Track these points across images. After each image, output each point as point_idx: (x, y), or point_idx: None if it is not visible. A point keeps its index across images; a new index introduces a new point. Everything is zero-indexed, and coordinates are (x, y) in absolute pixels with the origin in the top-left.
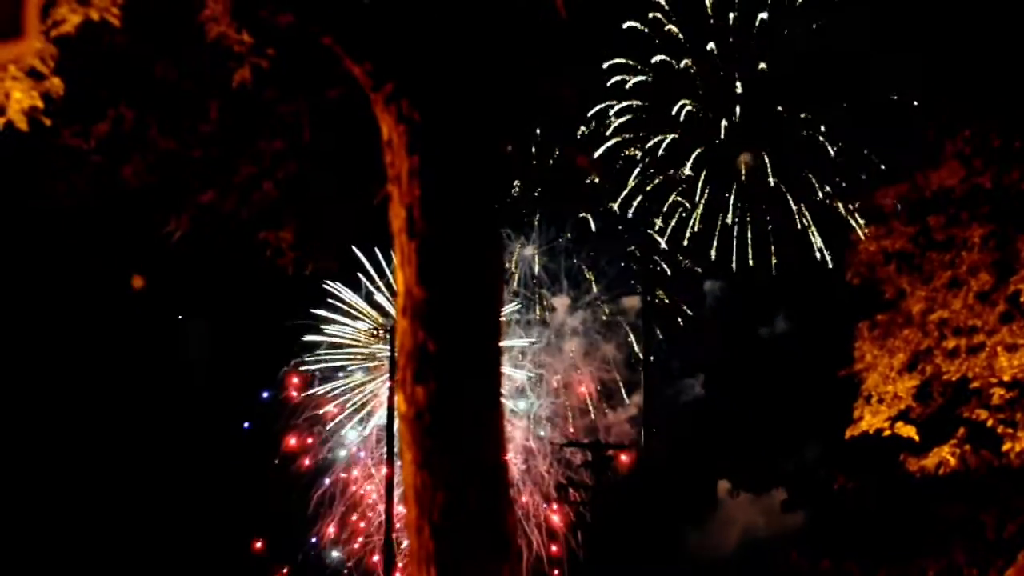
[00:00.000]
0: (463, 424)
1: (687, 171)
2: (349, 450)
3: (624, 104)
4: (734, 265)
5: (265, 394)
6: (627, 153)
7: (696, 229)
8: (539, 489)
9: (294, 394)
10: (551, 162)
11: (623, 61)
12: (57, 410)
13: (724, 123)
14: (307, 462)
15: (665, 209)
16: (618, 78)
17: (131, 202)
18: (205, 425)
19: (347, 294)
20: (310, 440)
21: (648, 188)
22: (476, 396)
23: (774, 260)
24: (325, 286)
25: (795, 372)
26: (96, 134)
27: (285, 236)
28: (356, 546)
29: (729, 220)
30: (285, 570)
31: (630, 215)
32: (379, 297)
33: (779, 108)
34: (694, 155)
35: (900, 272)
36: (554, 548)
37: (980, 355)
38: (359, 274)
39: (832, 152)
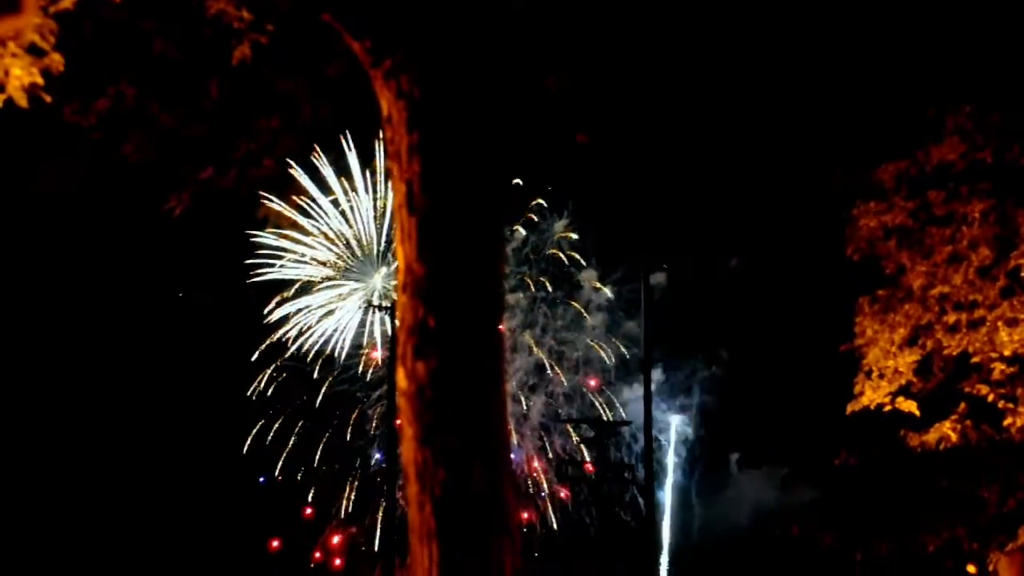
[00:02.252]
0: (464, 400)
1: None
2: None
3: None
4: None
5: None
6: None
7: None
8: (552, 465)
9: None
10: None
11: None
12: (56, 393)
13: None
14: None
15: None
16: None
17: (131, 178)
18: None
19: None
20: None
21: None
22: (477, 372)
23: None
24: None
25: (799, 347)
26: (96, 111)
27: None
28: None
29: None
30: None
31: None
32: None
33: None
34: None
35: (900, 247)
36: (565, 522)
37: (981, 330)
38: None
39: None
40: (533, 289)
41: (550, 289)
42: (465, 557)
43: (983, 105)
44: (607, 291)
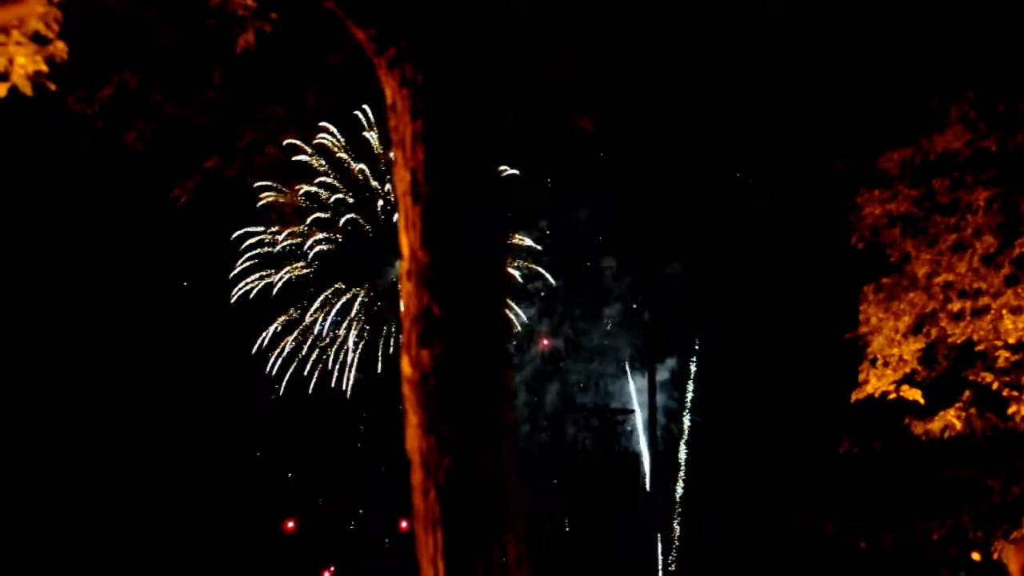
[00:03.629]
0: (469, 387)
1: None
2: None
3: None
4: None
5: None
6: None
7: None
8: (565, 453)
9: None
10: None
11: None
12: (61, 381)
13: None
14: None
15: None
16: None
17: (135, 167)
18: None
19: None
20: None
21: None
22: (483, 359)
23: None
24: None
25: (802, 335)
26: (100, 99)
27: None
28: None
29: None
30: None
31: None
32: None
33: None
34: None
35: (905, 235)
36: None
37: (985, 318)
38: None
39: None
40: (552, 280)
41: (567, 280)
42: (470, 544)
43: (987, 93)
44: (624, 282)
